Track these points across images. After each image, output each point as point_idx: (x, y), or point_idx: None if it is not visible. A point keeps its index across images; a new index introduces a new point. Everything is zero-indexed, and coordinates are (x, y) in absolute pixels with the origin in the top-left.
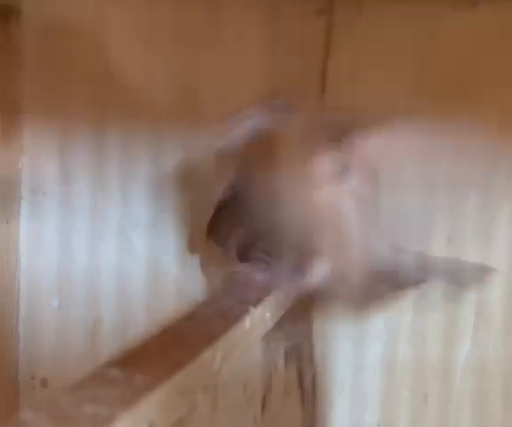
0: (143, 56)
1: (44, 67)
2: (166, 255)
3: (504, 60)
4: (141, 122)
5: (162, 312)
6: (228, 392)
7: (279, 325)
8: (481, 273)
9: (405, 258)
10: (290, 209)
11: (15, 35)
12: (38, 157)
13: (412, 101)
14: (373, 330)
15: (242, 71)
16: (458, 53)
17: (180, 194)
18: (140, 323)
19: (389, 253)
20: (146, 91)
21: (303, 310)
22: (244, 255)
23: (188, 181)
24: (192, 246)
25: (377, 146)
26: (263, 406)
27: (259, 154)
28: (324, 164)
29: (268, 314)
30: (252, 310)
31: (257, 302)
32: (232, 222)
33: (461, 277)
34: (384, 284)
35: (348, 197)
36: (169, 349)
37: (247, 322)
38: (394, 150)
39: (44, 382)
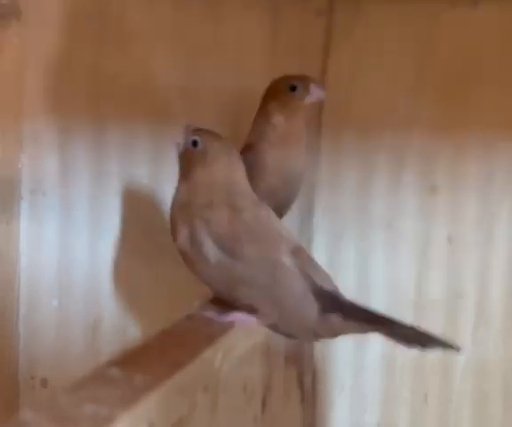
0: (143, 56)
1: (44, 67)
2: (166, 255)
3: (504, 60)
4: (141, 122)
5: (162, 312)
6: (228, 392)
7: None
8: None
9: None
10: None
11: (15, 35)
12: (38, 157)
13: (411, 101)
14: None
15: (242, 71)
16: (458, 53)
17: None
18: (141, 323)
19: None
20: (146, 91)
21: None
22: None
23: None
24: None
25: None
26: (263, 406)
27: None
28: None
29: None
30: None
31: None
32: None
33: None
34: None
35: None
36: (169, 349)
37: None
38: None
39: (44, 382)
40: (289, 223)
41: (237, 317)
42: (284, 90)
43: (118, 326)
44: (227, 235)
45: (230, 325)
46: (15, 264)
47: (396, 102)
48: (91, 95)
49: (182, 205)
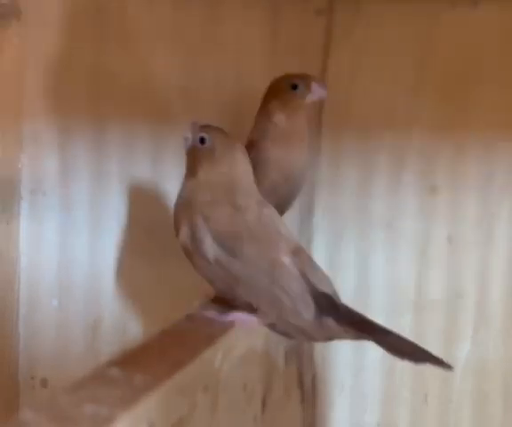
0: (143, 56)
1: (44, 67)
2: (167, 255)
3: (504, 60)
4: (141, 122)
5: (162, 312)
6: (228, 392)
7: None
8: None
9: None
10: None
11: (15, 35)
12: (38, 157)
13: (411, 101)
14: None
15: (242, 71)
16: (458, 53)
17: None
18: (141, 323)
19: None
20: (146, 91)
21: None
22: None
23: None
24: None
25: None
26: (263, 406)
27: None
28: None
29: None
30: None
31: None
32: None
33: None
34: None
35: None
36: (169, 349)
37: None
38: None
39: (44, 382)
40: (289, 223)
41: (238, 316)
42: (285, 88)
43: (118, 327)
44: (226, 233)
45: (230, 325)
46: (15, 264)
47: (396, 102)
48: (91, 95)
49: (186, 202)
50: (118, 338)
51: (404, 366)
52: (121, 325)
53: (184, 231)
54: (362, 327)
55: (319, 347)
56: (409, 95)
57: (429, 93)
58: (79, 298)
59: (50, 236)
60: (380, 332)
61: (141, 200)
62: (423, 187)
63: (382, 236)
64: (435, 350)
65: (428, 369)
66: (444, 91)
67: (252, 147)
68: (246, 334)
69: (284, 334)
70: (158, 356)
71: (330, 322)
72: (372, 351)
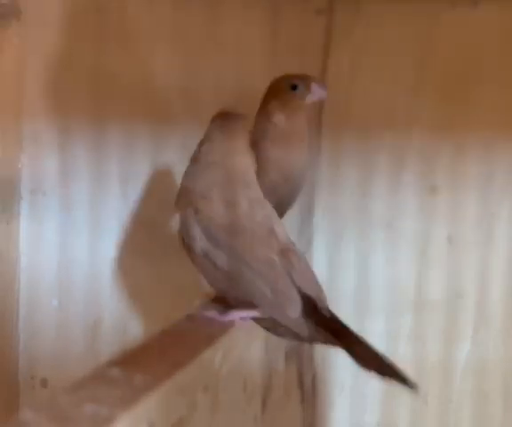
0: (143, 56)
1: (44, 67)
2: (167, 255)
3: (504, 60)
4: (141, 122)
5: (162, 313)
6: (228, 392)
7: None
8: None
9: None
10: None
11: (15, 35)
12: (38, 157)
13: (411, 101)
14: (373, 330)
15: (242, 71)
16: (458, 53)
17: None
18: (141, 323)
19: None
20: (146, 91)
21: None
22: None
23: None
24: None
25: None
26: (263, 406)
27: None
28: None
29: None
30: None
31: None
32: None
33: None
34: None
35: None
36: (169, 349)
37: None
38: None
39: (44, 382)
40: (289, 223)
41: (238, 316)
42: (284, 89)
43: (118, 327)
44: (214, 226)
45: (230, 325)
46: (15, 264)
47: (396, 102)
48: (91, 95)
49: (183, 190)
50: (118, 338)
51: (404, 366)
52: (121, 325)
53: (177, 221)
54: (335, 334)
55: (319, 347)
56: (409, 95)
57: (429, 93)
58: (79, 298)
59: (50, 236)
60: (352, 341)
61: (141, 200)
62: (423, 187)
63: (382, 236)
64: (435, 350)
65: (429, 369)
66: (444, 91)
67: (251, 147)
68: (246, 334)
69: (272, 331)
70: (158, 356)
71: (309, 324)
72: None
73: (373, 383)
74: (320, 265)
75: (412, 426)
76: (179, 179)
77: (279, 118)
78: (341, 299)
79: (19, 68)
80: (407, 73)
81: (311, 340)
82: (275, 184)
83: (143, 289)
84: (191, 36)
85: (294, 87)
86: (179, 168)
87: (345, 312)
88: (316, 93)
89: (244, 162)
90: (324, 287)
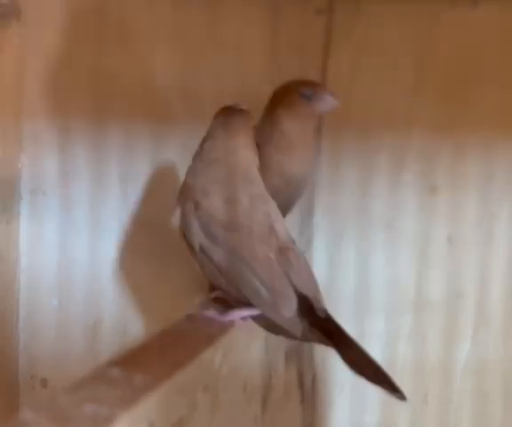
0: (143, 56)
1: (44, 67)
2: (167, 255)
3: (504, 60)
4: (141, 122)
5: (163, 313)
6: (228, 392)
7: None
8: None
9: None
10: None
11: (15, 35)
12: (38, 157)
13: (411, 101)
14: (373, 330)
15: (242, 71)
16: (458, 53)
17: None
18: (141, 324)
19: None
20: (146, 91)
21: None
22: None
23: None
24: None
25: None
26: (263, 406)
27: None
28: None
29: None
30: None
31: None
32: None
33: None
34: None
35: None
36: (169, 349)
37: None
38: None
39: (44, 382)
40: (289, 223)
41: (238, 316)
42: (295, 96)
43: (118, 327)
44: (213, 222)
45: (230, 325)
46: (15, 264)
47: (396, 102)
48: (91, 95)
49: (185, 185)
50: (118, 338)
51: (404, 366)
52: (121, 325)
53: (178, 215)
54: (328, 335)
55: (319, 347)
56: (409, 95)
57: (429, 93)
58: (79, 298)
59: (50, 236)
60: (344, 344)
61: (141, 200)
62: (423, 187)
63: (382, 236)
64: (435, 349)
65: (429, 369)
66: (444, 91)
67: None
68: (246, 334)
69: (270, 329)
70: (158, 356)
71: (303, 323)
72: (372, 351)
73: None
74: (320, 265)
75: (411, 426)
76: (179, 179)
77: (288, 127)
78: (341, 299)
79: (19, 68)
80: (407, 73)
81: (305, 339)
82: (277, 189)
83: (143, 289)
84: (191, 36)
85: (305, 96)
86: (179, 168)
87: (345, 312)
88: (328, 103)
89: (247, 158)
90: (324, 287)
